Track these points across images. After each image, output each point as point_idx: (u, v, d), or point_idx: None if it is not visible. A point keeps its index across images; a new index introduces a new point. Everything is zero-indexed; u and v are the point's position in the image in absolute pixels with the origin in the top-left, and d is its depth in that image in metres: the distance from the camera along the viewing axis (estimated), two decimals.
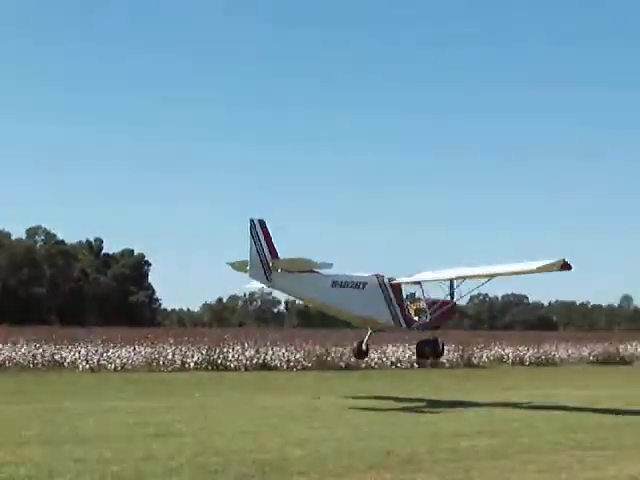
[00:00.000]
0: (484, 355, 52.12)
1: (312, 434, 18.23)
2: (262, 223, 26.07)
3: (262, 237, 25.91)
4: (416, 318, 28.44)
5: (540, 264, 25.96)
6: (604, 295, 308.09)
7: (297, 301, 57.10)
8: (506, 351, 53.61)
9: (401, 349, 47.89)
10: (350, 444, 16.85)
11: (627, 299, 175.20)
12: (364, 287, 27.43)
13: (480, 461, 15.22)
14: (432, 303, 28.76)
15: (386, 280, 28.16)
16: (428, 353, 28.47)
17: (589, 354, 56.10)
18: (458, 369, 47.56)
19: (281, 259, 26.04)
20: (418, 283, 29.21)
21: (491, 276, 27.89)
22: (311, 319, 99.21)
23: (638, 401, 27.29)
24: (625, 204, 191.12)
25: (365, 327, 29.48)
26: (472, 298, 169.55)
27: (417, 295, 28.98)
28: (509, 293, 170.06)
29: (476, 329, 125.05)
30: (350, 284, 27.24)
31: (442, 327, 30.30)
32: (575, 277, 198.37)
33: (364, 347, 29.74)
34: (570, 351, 56.39)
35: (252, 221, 26.00)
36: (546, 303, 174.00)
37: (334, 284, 27.00)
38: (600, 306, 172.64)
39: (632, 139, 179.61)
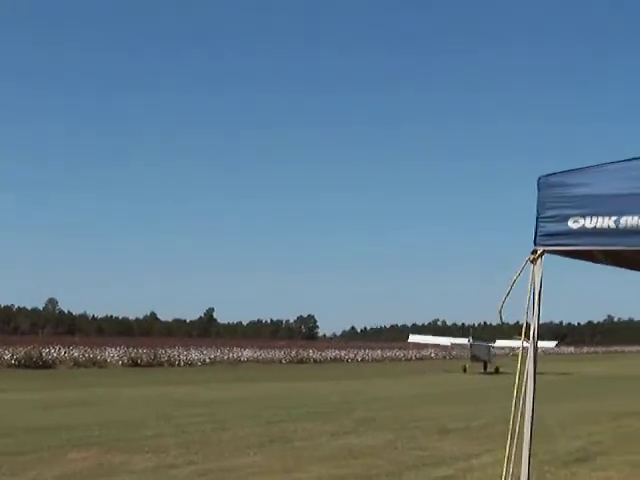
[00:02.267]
0: None
1: None
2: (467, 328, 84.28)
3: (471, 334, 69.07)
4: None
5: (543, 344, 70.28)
6: (29, 297, 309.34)
7: None
8: None
9: None
10: None
11: (52, 302, 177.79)
12: (484, 348, 66.29)
13: None
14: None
15: (486, 344, 67.91)
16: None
17: (11, 357, 55.37)
18: None
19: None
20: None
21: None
22: None
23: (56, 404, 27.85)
24: None
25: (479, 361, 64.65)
26: None
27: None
28: None
29: None
30: (482, 348, 66.19)
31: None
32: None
33: (467, 367, 62.81)
34: None
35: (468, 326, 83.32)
36: None
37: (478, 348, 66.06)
38: (25, 308, 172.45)
39: None
